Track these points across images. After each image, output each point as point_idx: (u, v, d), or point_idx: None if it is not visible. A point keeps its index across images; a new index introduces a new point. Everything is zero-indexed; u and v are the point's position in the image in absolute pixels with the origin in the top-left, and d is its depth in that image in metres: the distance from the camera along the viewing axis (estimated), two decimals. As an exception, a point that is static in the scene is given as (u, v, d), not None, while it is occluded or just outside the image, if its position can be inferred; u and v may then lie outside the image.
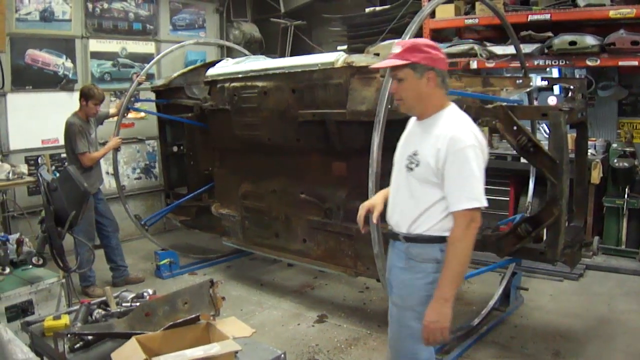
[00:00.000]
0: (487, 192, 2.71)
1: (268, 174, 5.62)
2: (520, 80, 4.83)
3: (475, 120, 4.06)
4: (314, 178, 5.22)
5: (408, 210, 2.87)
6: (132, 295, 2.85)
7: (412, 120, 3.05)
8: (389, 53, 2.97)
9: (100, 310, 2.65)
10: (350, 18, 8.50)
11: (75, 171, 3.36)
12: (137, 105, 7.37)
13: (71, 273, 3.60)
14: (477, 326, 4.87)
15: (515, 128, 3.86)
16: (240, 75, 5.49)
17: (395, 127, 4.05)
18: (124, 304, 2.75)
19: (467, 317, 5.07)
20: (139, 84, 6.87)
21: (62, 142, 7.62)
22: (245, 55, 7.43)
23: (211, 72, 5.94)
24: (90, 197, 3.44)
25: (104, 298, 2.80)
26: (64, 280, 3.75)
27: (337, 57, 4.69)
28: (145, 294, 2.85)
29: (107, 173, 8.04)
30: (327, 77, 4.74)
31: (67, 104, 7.60)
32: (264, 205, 5.60)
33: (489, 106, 3.96)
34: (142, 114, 8.13)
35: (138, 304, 2.66)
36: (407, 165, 2.85)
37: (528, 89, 4.89)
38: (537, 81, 6.64)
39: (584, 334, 4.83)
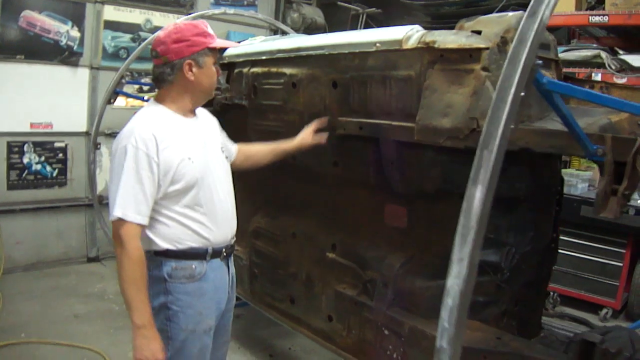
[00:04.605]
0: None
1: (289, 207, 3.78)
2: None
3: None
4: (354, 226, 3.31)
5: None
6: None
7: (173, 117, 2.47)
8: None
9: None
10: (435, 6, 6.76)
11: None
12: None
13: None
14: None
15: None
16: (263, 57, 3.70)
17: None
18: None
19: None
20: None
21: (56, 128, 6.28)
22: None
23: (230, 51, 4.15)
24: None
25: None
26: None
27: (407, 32, 2.73)
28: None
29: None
30: (389, 64, 2.81)
31: (68, 81, 6.27)
32: (279, 252, 3.76)
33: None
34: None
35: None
36: (226, 157, 2.72)
37: None
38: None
39: None
